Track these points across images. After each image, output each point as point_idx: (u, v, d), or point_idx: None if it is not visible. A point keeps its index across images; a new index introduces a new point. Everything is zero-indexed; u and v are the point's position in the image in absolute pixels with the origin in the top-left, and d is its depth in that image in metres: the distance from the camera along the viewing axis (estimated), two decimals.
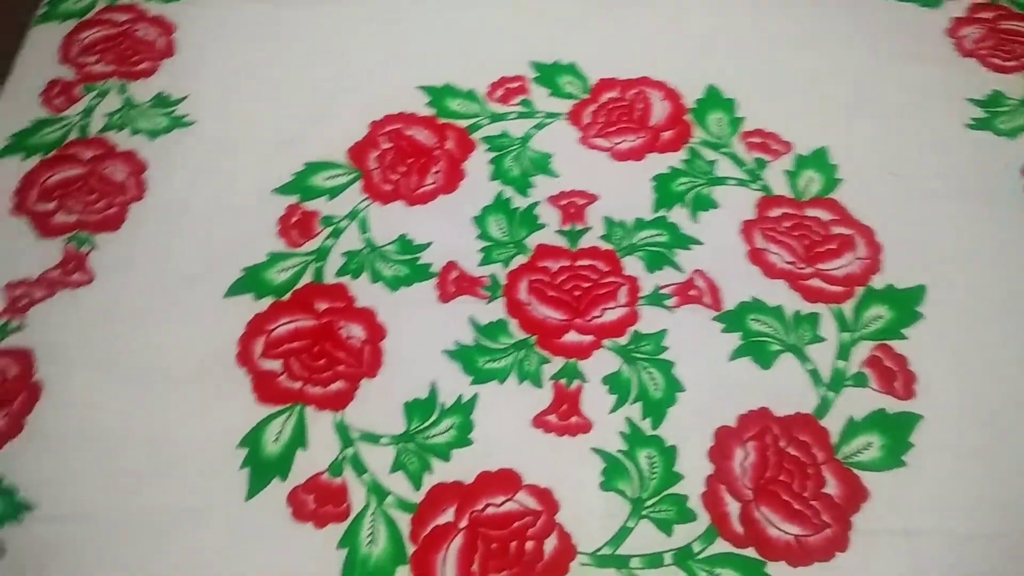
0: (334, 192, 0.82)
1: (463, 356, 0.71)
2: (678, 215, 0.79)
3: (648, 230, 0.78)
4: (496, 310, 0.74)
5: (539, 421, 0.68)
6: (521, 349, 0.72)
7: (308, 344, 0.72)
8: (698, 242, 0.78)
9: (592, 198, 0.81)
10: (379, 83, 0.90)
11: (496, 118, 0.87)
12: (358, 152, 0.84)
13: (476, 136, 0.86)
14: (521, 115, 0.87)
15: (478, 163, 0.84)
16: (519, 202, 0.80)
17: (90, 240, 0.78)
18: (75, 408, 0.68)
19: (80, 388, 0.69)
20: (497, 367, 0.71)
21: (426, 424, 0.68)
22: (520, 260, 0.77)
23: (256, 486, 0.65)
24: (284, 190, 0.82)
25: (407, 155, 0.84)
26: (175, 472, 0.66)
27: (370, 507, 0.64)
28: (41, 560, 0.62)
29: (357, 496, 0.65)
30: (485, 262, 0.77)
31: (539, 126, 0.86)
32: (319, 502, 0.64)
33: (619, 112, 0.87)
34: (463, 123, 0.87)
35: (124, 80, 0.89)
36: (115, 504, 0.64)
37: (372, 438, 0.67)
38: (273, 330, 0.73)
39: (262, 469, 0.66)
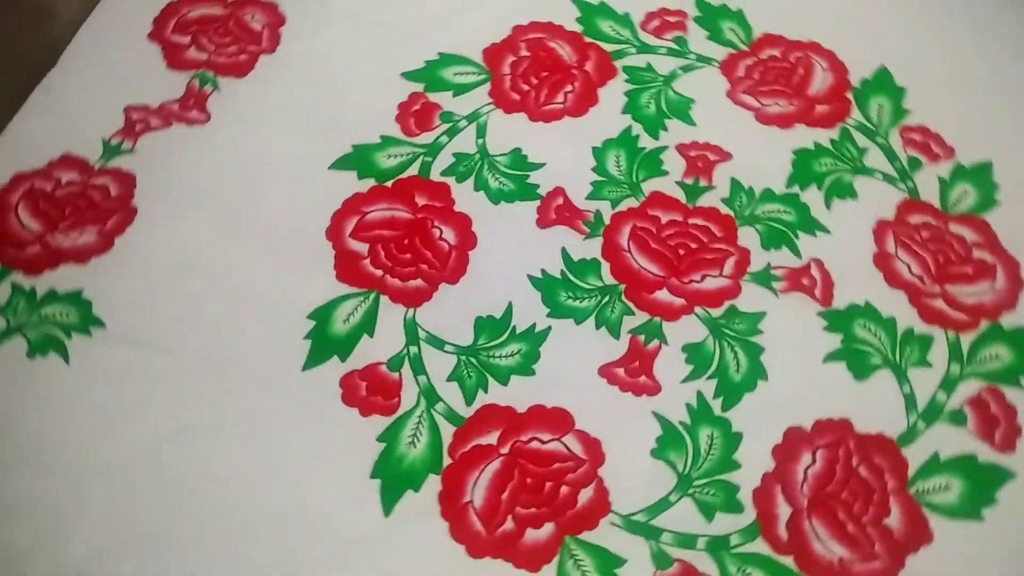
0: (460, 89, 0.79)
1: (546, 286, 0.69)
2: (811, 196, 0.73)
3: (775, 204, 0.73)
4: (591, 248, 0.71)
5: (606, 371, 0.66)
6: (606, 294, 0.69)
7: (398, 236, 0.71)
8: (825, 230, 0.72)
9: (725, 156, 0.75)
10: None
11: (644, 49, 0.82)
12: (494, 54, 0.81)
13: (619, 63, 0.81)
14: (672, 52, 0.82)
15: (614, 92, 0.79)
16: (645, 142, 0.76)
17: (214, 81, 0.78)
18: (166, 240, 0.70)
19: (174, 221, 0.71)
20: (578, 306, 0.68)
21: (493, 343, 0.66)
22: (630, 203, 0.73)
23: (314, 359, 0.65)
24: (412, 76, 0.80)
25: (543, 67, 0.80)
26: (246, 327, 0.66)
27: (418, 409, 0.63)
28: (109, 377, 0.64)
29: (409, 395, 0.64)
30: (593, 196, 0.73)
31: (688, 68, 0.81)
32: (370, 391, 0.64)
33: (777, 72, 0.80)
34: (609, 47, 0.82)
35: None
36: (183, 343, 0.66)
37: (437, 343, 0.66)
38: (368, 213, 0.72)
39: (324, 345, 0.66)
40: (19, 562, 0.56)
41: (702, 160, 0.75)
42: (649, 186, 0.74)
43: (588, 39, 0.82)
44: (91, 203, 0.70)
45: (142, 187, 0.72)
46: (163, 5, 0.82)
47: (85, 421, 0.62)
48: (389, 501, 0.60)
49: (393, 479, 0.61)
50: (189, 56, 0.79)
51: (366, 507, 0.60)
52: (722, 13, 0.84)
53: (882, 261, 0.70)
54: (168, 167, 0.73)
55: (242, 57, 0.80)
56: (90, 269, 0.68)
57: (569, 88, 0.79)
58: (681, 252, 0.70)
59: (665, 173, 0.74)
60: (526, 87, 0.79)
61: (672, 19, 0.84)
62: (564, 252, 0.71)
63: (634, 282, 0.70)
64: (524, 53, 0.81)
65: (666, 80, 0.80)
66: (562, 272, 0.70)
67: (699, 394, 0.65)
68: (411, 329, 0.67)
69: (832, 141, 0.76)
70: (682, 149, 0.76)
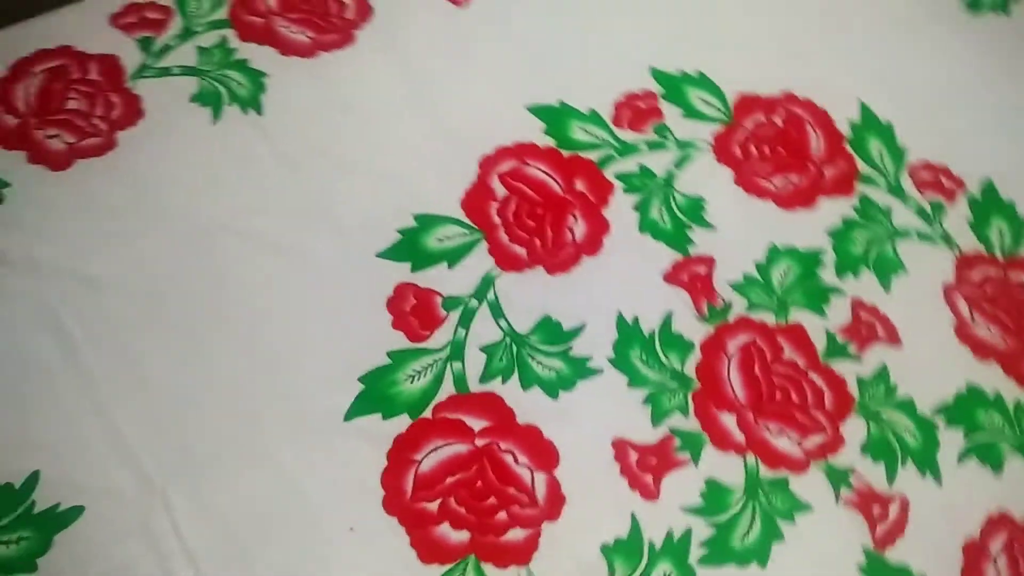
0: (454, 257, 0.66)
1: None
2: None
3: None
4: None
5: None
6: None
7: (467, 479, 0.58)
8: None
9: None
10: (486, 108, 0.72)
11: (627, 149, 0.71)
12: (473, 203, 0.68)
13: (609, 172, 0.70)
14: (655, 145, 0.72)
15: (620, 209, 0.69)
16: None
17: None
18: None
19: None
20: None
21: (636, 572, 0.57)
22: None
23: None
24: (389, 255, 0.65)
25: (534, 204, 0.68)
26: None
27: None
28: None
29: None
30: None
31: (681, 161, 0.71)
32: None
33: (772, 142, 0.73)
34: (591, 155, 0.71)
35: None
36: None
37: None
38: (419, 462, 0.58)
39: None
40: None
41: (699, 280, 0.67)
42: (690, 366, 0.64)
43: (566, 152, 0.71)
44: None
45: None
46: None
47: None
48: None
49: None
50: None
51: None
52: (686, 81, 0.75)
53: (963, 332, 0.67)
54: None
55: None
56: None
57: (572, 220, 0.68)
58: (778, 395, 0.63)
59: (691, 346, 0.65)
60: (526, 235, 0.67)
61: (643, 104, 0.73)
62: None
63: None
64: (504, 193, 0.69)
65: (666, 181, 0.71)
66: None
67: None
68: None
69: (856, 209, 0.71)
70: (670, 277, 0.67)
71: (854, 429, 0.63)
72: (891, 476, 0.62)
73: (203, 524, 0.56)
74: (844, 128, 0.75)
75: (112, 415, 0.58)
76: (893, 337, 0.66)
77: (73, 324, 0.61)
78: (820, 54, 0.78)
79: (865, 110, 0.76)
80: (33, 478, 0.56)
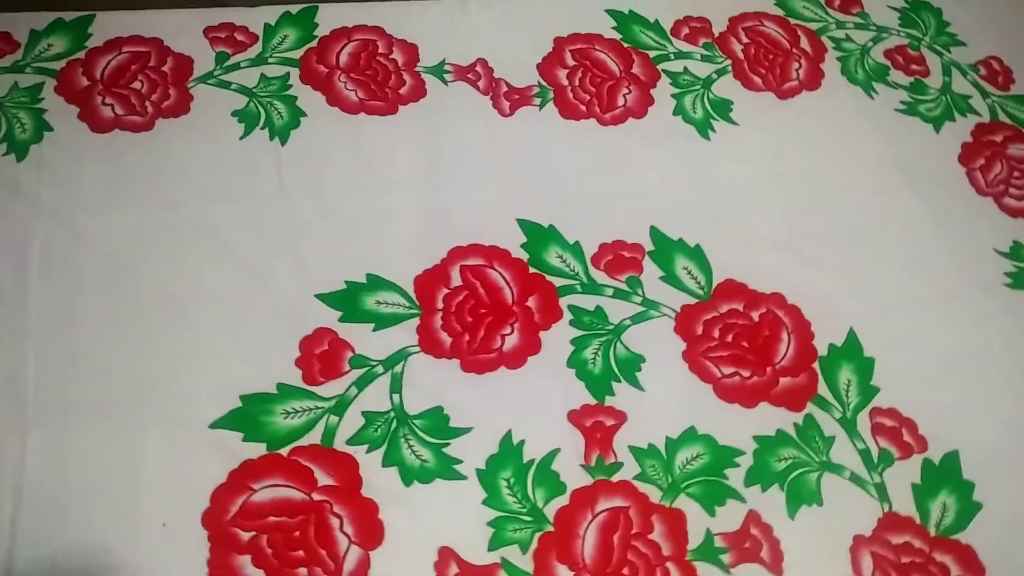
0: (383, 322, 0.68)
1: None
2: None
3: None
4: None
5: None
6: None
7: (290, 525, 0.58)
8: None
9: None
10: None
11: (592, 288, 0.72)
12: (425, 283, 0.70)
13: (565, 301, 0.71)
14: (620, 294, 0.72)
15: (557, 339, 0.69)
16: (534, 450, 0.64)
17: None
18: None
19: None
20: None
21: None
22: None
23: None
24: (330, 299, 0.68)
25: (480, 304, 0.70)
26: None
27: None
28: None
29: None
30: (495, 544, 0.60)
31: (639, 317, 0.71)
32: None
33: (739, 333, 0.72)
34: (555, 280, 0.72)
35: None
36: None
37: None
38: (255, 492, 0.59)
39: None
40: None
41: (600, 431, 0.66)
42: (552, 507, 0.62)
43: (533, 269, 0.72)
44: None
45: None
46: None
47: None
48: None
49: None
50: None
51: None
52: (679, 248, 0.76)
53: None
54: None
55: None
56: None
57: (508, 330, 0.69)
58: (625, 571, 0.60)
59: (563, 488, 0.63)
60: (459, 327, 0.69)
61: (627, 254, 0.74)
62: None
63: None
64: (458, 283, 0.71)
65: (615, 331, 0.70)
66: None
67: None
68: None
69: (796, 427, 0.68)
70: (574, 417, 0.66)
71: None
72: None
73: (44, 469, 0.59)
74: (822, 347, 0.72)
75: (27, 345, 0.63)
76: (775, 566, 0.61)
77: (38, 259, 0.67)
78: (831, 271, 0.77)
79: (852, 338, 0.73)
80: None
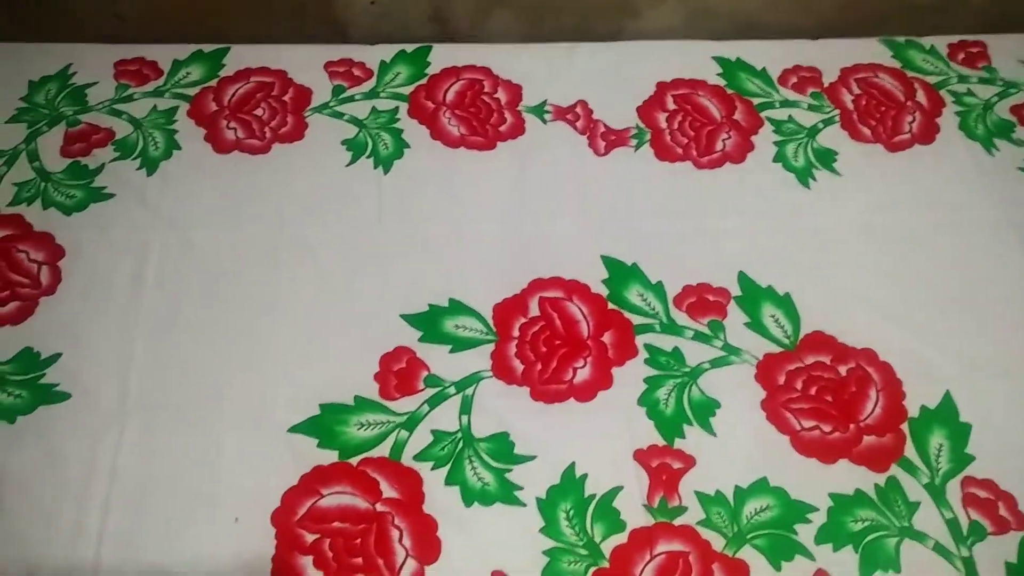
0: (460, 345, 0.70)
1: None
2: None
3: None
4: None
5: None
6: None
7: (352, 532, 0.60)
8: None
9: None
10: None
11: (672, 329, 0.72)
12: (504, 311, 0.72)
13: (641, 340, 0.71)
14: (701, 337, 0.71)
15: (631, 377, 0.69)
16: (595, 485, 0.64)
17: None
18: None
19: None
20: None
21: None
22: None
23: None
24: (411, 320, 0.71)
25: (556, 335, 0.71)
26: None
27: None
28: None
29: None
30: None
31: (719, 362, 0.70)
32: None
33: (823, 387, 0.69)
34: (634, 318, 0.72)
35: None
36: None
37: None
38: (323, 496, 0.62)
39: None
40: None
41: (667, 472, 0.64)
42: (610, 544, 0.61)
43: (612, 305, 0.73)
44: None
45: None
46: None
47: None
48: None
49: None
50: None
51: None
52: (768, 296, 0.74)
53: None
54: None
55: None
56: None
57: (581, 363, 0.70)
58: None
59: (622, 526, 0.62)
60: (532, 356, 0.70)
61: (712, 297, 0.74)
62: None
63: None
64: (536, 313, 0.72)
65: (692, 373, 0.70)
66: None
67: None
68: None
69: (877, 488, 0.65)
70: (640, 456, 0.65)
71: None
72: None
73: (137, 456, 0.64)
74: (913, 408, 0.68)
75: (134, 344, 0.69)
76: None
77: (154, 267, 0.74)
78: (928, 330, 0.73)
79: (948, 400, 0.69)
80: (53, 358, 0.68)
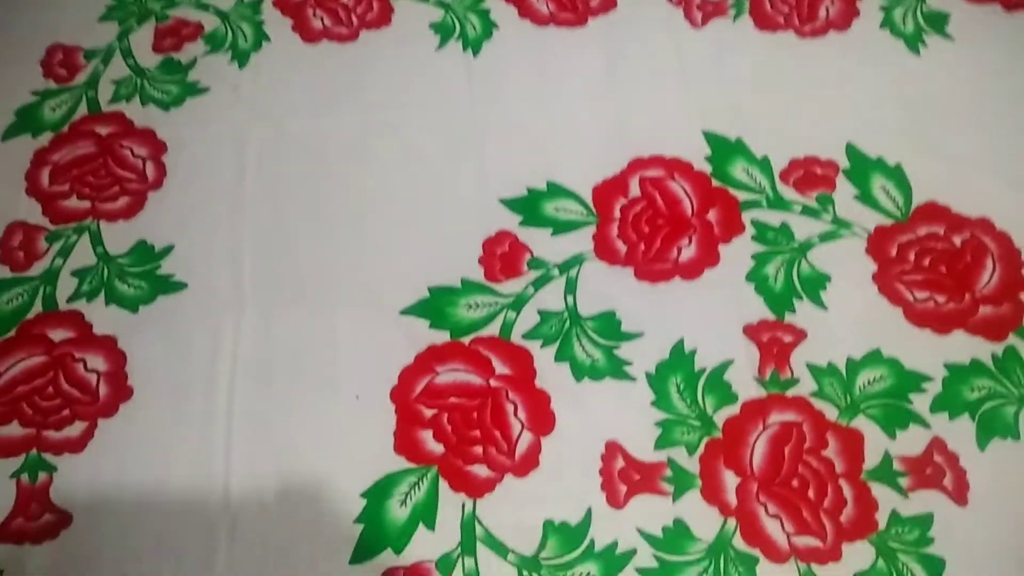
0: (560, 227, 0.70)
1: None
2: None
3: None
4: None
5: None
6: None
7: (468, 407, 0.62)
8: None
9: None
10: None
11: (779, 204, 0.70)
12: (604, 193, 0.71)
13: (748, 215, 0.70)
14: (809, 211, 0.70)
15: (738, 252, 0.68)
16: (705, 359, 0.64)
17: None
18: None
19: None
20: None
21: (564, 558, 0.57)
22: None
23: (363, 552, 0.58)
24: (510, 204, 0.71)
25: (659, 215, 0.70)
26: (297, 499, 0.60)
27: None
28: None
29: None
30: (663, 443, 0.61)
31: (828, 236, 0.69)
32: None
33: (937, 257, 0.67)
34: (738, 193, 0.71)
35: None
36: None
37: (499, 547, 0.57)
38: (439, 374, 0.64)
39: (377, 534, 0.58)
40: None
41: (778, 346, 0.64)
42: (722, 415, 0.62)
43: (716, 182, 0.71)
44: None
45: None
46: None
47: None
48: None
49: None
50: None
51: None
52: (877, 167, 0.72)
53: None
54: None
55: None
56: None
57: (686, 242, 0.69)
58: (794, 483, 0.59)
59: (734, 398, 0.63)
60: (635, 237, 0.69)
61: (819, 170, 0.71)
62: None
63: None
64: (637, 194, 0.71)
65: (801, 248, 0.68)
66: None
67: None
68: (468, 527, 0.58)
69: (995, 357, 0.63)
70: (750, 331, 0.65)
71: (858, 553, 0.57)
72: None
73: (257, 340, 0.66)
74: None
75: (243, 233, 0.71)
76: (960, 495, 0.58)
77: (254, 158, 0.74)
78: None
79: None
80: (167, 250, 0.70)
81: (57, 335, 0.66)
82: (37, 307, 0.67)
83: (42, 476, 0.61)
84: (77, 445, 0.62)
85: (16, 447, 0.62)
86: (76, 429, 0.63)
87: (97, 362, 0.65)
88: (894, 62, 0.78)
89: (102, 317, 0.67)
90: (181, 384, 0.65)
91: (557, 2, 0.81)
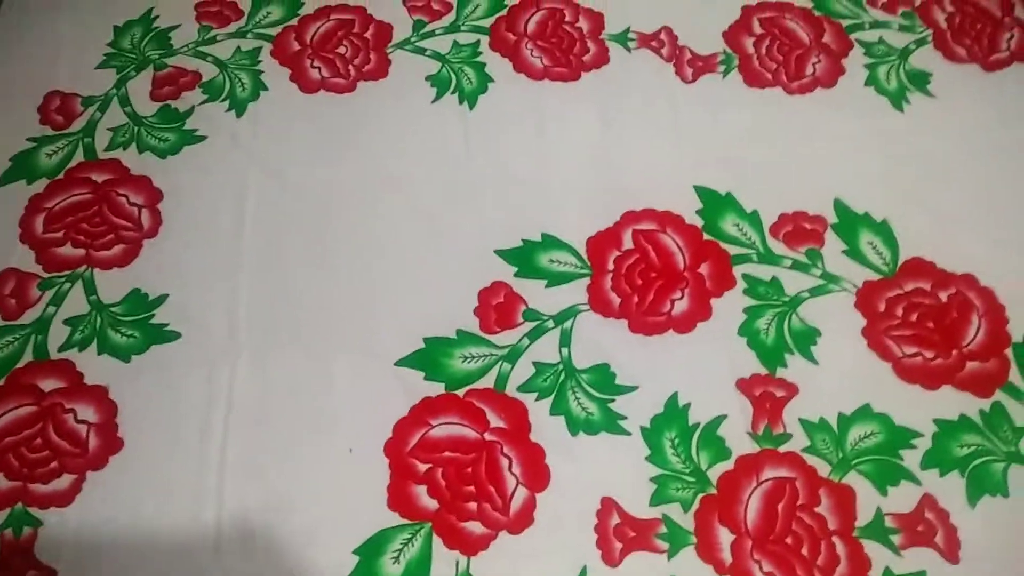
0: (555, 280, 0.70)
1: None
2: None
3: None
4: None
5: None
6: None
7: (463, 461, 0.62)
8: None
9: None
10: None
11: (769, 259, 0.71)
12: (598, 245, 0.72)
13: (739, 270, 0.71)
14: (799, 266, 0.71)
15: (731, 305, 0.69)
16: (699, 413, 0.64)
17: None
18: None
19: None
20: None
21: None
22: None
23: None
24: (507, 255, 0.72)
25: (651, 268, 0.71)
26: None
27: None
28: None
29: None
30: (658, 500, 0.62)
31: (817, 290, 0.70)
32: None
33: (924, 313, 0.69)
34: (730, 248, 0.72)
35: None
36: None
37: None
38: (433, 427, 0.64)
39: None
40: None
41: (770, 400, 0.65)
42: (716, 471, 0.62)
43: (707, 236, 0.72)
44: None
45: None
46: None
47: None
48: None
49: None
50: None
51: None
52: (865, 222, 0.73)
53: None
54: None
55: None
56: None
57: (678, 295, 0.70)
58: (788, 540, 0.59)
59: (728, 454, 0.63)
60: (628, 289, 0.70)
61: (808, 225, 0.73)
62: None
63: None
64: (630, 246, 0.72)
65: (792, 302, 0.69)
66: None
67: None
68: None
69: (983, 413, 0.64)
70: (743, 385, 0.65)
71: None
72: None
73: (252, 387, 0.66)
74: (1017, 334, 0.68)
75: (239, 280, 0.71)
76: (951, 552, 0.59)
77: (252, 205, 0.75)
78: None
79: None
80: (162, 298, 0.70)
81: (48, 384, 0.66)
82: (28, 355, 0.67)
83: (27, 530, 0.60)
84: (64, 498, 0.61)
85: (1, 501, 0.61)
86: (64, 482, 0.62)
87: (88, 412, 0.65)
88: (879, 118, 0.80)
89: (94, 367, 0.67)
90: (173, 433, 0.64)
91: (551, 57, 0.83)
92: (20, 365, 0.67)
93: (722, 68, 0.82)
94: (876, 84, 0.82)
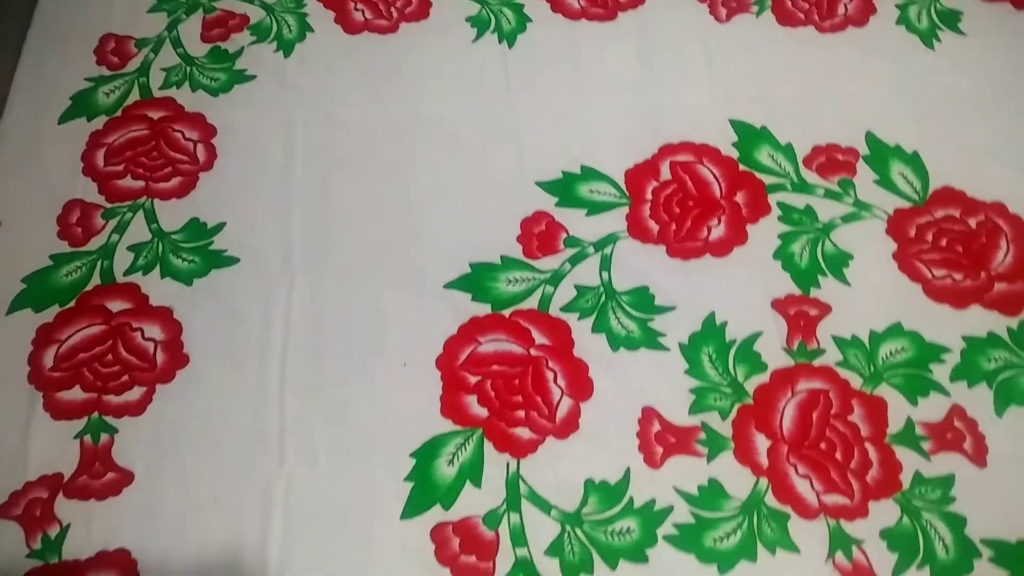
0: (594, 208, 0.73)
1: None
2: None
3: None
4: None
5: None
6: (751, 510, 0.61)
7: (510, 374, 0.66)
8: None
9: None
10: None
11: (803, 187, 0.74)
12: (637, 176, 0.75)
13: (774, 198, 0.73)
14: (832, 195, 0.73)
15: (765, 233, 0.72)
16: (735, 331, 0.68)
17: None
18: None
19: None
20: None
21: (603, 514, 0.60)
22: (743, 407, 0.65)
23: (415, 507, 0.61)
24: (547, 186, 0.74)
25: (689, 197, 0.73)
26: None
27: None
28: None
29: (504, 562, 0.59)
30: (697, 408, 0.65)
31: (850, 217, 0.72)
32: (464, 548, 0.59)
33: (954, 238, 0.71)
34: (765, 178, 0.74)
35: None
36: None
37: (542, 504, 0.61)
38: (481, 344, 0.67)
39: (426, 491, 0.62)
40: None
41: (804, 319, 0.68)
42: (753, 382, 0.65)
43: (743, 167, 0.75)
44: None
45: None
46: None
47: None
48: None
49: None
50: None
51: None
52: (896, 154, 0.75)
53: None
54: None
55: None
56: None
57: (715, 222, 0.72)
58: (822, 445, 0.62)
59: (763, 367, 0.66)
60: (666, 217, 0.72)
61: (841, 157, 0.75)
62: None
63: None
64: (667, 177, 0.74)
65: (825, 228, 0.72)
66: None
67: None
68: (513, 485, 0.61)
69: (1010, 331, 0.67)
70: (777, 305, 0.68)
71: (884, 511, 0.60)
72: (899, 571, 0.58)
73: (307, 309, 0.69)
74: None
75: (292, 210, 0.74)
76: (979, 457, 0.62)
77: (301, 143, 0.78)
78: None
79: None
80: (219, 227, 0.73)
81: (115, 306, 0.69)
82: (95, 279, 0.71)
83: (104, 437, 0.64)
84: (137, 408, 0.65)
85: (78, 410, 0.65)
86: (135, 394, 0.66)
87: (154, 331, 0.68)
88: (910, 56, 0.82)
89: (158, 289, 0.70)
90: (235, 352, 0.68)
91: None
92: (88, 288, 0.70)
93: (756, 8, 0.84)
94: (907, 23, 0.84)
